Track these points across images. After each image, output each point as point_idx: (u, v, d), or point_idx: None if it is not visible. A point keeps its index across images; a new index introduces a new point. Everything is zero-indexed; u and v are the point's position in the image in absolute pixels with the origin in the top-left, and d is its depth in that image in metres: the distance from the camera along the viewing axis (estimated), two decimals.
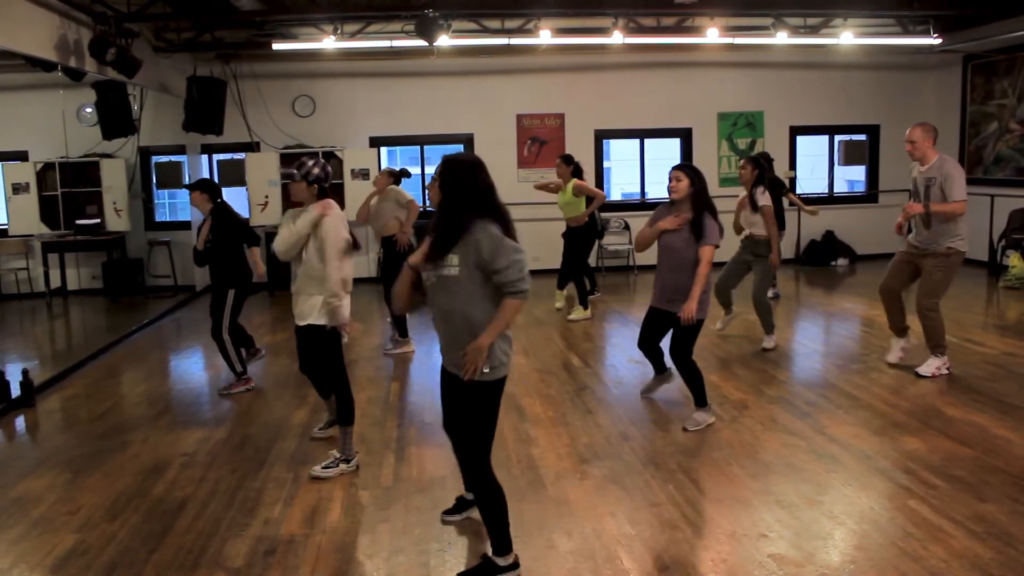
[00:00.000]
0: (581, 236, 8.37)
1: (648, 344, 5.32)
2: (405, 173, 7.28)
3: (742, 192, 6.87)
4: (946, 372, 5.87)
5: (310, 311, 4.38)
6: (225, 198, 6.12)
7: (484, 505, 3.23)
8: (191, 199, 6.07)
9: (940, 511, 3.70)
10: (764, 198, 6.56)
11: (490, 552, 3.26)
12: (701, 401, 5.01)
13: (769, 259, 6.59)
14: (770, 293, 8.96)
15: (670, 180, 4.83)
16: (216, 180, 10.99)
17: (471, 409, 3.17)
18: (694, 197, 4.77)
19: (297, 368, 4.84)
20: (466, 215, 3.08)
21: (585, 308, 8.42)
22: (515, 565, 3.24)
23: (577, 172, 8.31)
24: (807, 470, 4.25)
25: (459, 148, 11.55)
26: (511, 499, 3.83)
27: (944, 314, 5.88)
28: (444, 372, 3.35)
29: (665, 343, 5.16)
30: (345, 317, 4.36)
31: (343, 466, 4.39)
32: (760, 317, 6.86)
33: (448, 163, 3.21)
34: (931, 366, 5.87)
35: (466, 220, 3.07)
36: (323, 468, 4.36)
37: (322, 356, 4.46)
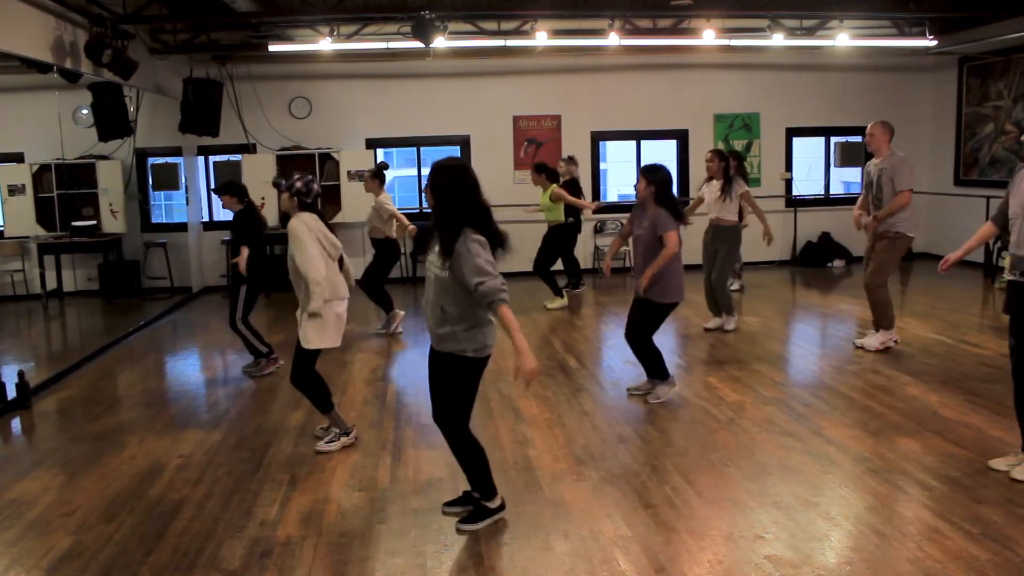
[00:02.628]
0: (559, 232, 9.02)
1: (628, 334, 5.59)
2: (384, 166, 7.82)
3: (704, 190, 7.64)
4: (893, 344, 6.26)
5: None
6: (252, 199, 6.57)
7: (464, 460, 3.66)
8: (223, 203, 6.42)
9: (936, 512, 3.71)
10: (741, 186, 7.43)
11: (479, 497, 3.64)
12: (657, 374, 5.43)
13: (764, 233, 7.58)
14: (736, 286, 9.20)
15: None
16: (212, 182, 11.05)
17: (459, 381, 3.55)
18: (654, 195, 5.28)
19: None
20: (456, 223, 3.36)
21: (562, 297, 8.96)
22: (502, 507, 3.69)
23: (552, 177, 8.89)
24: (803, 471, 4.26)
25: (456, 149, 11.56)
26: (507, 500, 3.85)
27: (939, 316, 5.92)
28: (432, 349, 3.66)
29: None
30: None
31: (344, 439, 4.68)
32: (720, 301, 7.43)
33: (436, 168, 3.48)
34: (875, 339, 6.25)
35: (456, 230, 3.34)
36: (326, 443, 4.63)
37: (298, 360, 4.67)
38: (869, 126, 6.43)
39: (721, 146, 11.68)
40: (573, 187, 9.32)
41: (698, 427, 5.00)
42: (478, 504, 3.70)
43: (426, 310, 3.58)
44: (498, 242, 3.43)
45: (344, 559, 3.47)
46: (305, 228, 4.53)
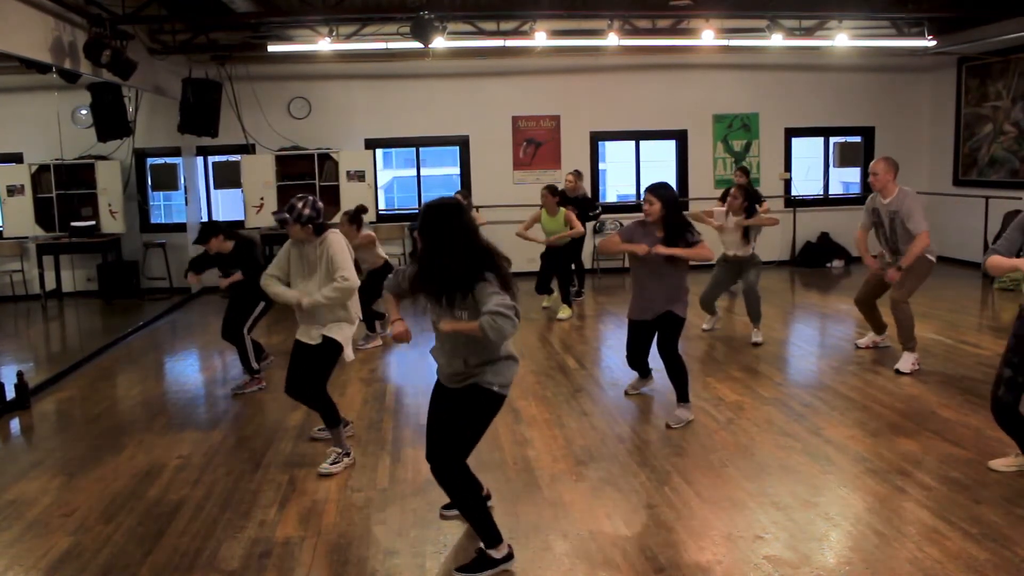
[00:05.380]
0: (565, 248, 8.61)
1: (638, 360, 5.49)
2: (362, 209, 7.20)
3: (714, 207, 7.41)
4: (918, 368, 6.05)
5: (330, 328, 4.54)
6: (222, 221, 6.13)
7: (464, 503, 3.33)
8: (211, 247, 6.07)
9: (935, 512, 3.71)
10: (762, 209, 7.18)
11: (483, 546, 3.33)
12: (684, 397, 5.14)
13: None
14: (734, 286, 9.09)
15: (644, 203, 5.02)
16: (212, 182, 11.06)
17: (475, 415, 3.28)
18: (665, 219, 4.96)
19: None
20: (466, 272, 3.07)
21: (570, 306, 8.66)
22: (509, 556, 3.33)
23: (563, 202, 8.53)
24: (802, 472, 4.26)
25: (455, 150, 11.57)
26: (507, 501, 3.85)
27: (938, 316, 5.92)
28: (439, 385, 3.46)
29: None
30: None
31: (346, 459, 4.52)
32: (749, 308, 7.12)
33: (428, 209, 3.16)
34: (907, 361, 6.04)
35: (467, 278, 3.07)
36: (331, 464, 4.45)
37: (319, 366, 4.55)
38: (872, 164, 6.11)
39: (721, 147, 11.71)
40: (582, 204, 9.29)
41: (697, 427, 5.00)
42: (481, 553, 3.30)
43: (440, 361, 3.35)
44: (507, 286, 3.09)
45: (343, 559, 3.47)
46: (344, 247, 4.49)
